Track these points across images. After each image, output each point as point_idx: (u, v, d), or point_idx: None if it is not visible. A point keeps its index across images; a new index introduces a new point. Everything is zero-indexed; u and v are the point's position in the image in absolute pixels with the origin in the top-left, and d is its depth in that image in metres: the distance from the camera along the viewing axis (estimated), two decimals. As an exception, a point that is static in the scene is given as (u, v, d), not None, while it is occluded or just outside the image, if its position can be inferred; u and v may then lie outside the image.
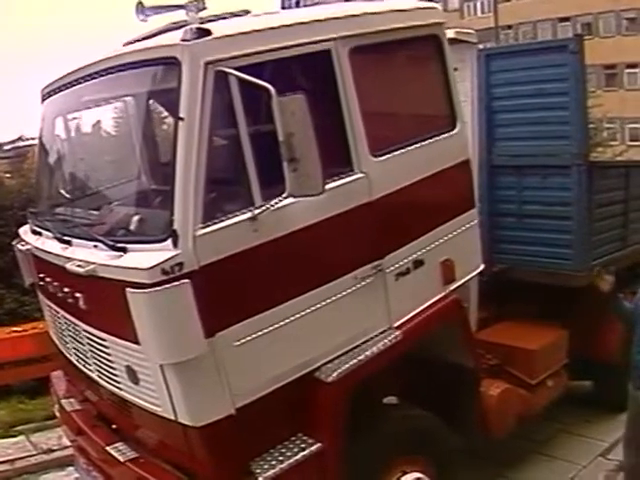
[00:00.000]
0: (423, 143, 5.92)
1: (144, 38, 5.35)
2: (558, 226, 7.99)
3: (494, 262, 8.11)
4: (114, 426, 5.92)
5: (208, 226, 4.65)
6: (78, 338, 5.73)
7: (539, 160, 8.13)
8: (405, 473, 5.81)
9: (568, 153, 7.85)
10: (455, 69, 6.41)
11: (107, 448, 5.63)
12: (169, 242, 4.54)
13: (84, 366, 5.85)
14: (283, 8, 5.85)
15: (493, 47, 10.14)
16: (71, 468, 7.70)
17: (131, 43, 5.40)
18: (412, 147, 5.82)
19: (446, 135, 6.16)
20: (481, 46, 9.09)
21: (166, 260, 4.47)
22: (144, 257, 4.56)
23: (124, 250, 4.75)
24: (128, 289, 4.52)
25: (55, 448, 9.53)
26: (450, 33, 6.71)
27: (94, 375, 5.67)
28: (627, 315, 6.54)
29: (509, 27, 50.36)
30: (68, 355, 6.22)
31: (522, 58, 8.44)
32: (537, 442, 8.43)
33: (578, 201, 7.85)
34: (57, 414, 7.00)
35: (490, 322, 7.97)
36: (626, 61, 45.68)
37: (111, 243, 4.82)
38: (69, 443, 7.14)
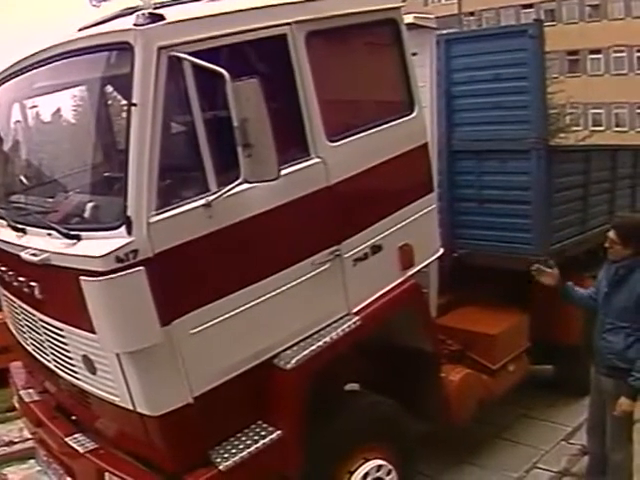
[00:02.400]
0: (380, 127, 5.90)
1: (99, 23, 5.26)
2: (518, 210, 8.04)
3: (455, 247, 8.16)
4: (73, 417, 5.88)
5: (162, 213, 4.58)
6: (35, 328, 5.66)
7: (499, 145, 8.14)
8: (367, 460, 5.81)
9: (527, 137, 7.87)
10: (414, 54, 6.38)
11: (66, 439, 5.58)
12: (123, 229, 4.47)
13: (42, 357, 5.79)
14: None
15: (453, 32, 10.11)
16: (33, 461, 7.61)
17: (86, 28, 5.30)
18: (369, 132, 5.80)
19: (403, 119, 6.13)
20: (444, 32, 9.07)
21: (120, 247, 4.41)
22: (98, 245, 4.50)
23: (78, 238, 4.69)
24: (82, 277, 4.45)
25: (17, 440, 9.47)
26: (409, 18, 6.70)
27: (52, 365, 5.61)
28: (578, 301, 6.50)
29: (472, 14, 50.49)
30: (26, 346, 6.14)
31: (482, 43, 8.45)
32: (500, 427, 8.48)
33: (537, 185, 7.90)
34: (17, 406, 6.93)
35: (451, 307, 8.01)
36: (589, 47, 46.03)
37: (65, 231, 4.74)
38: (30, 435, 7.08)
